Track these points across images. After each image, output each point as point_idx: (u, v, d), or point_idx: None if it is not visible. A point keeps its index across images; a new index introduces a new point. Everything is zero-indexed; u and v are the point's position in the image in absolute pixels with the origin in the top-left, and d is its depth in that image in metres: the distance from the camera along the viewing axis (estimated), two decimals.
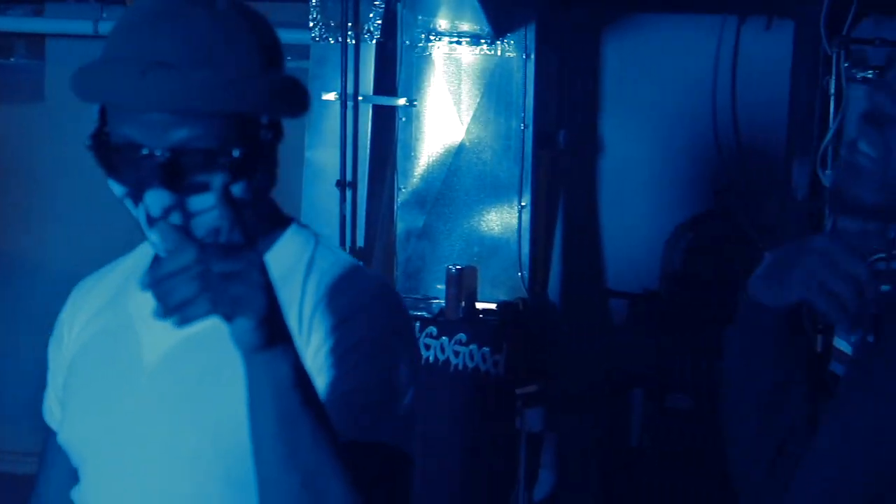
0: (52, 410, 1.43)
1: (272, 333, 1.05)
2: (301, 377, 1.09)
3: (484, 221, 3.45)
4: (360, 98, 3.36)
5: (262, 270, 1.04)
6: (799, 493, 1.17)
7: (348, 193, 3.32)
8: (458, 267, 3.32)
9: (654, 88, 4.10)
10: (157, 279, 1.00)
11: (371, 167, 3.44)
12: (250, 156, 1.19)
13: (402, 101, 3.40)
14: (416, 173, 3.43)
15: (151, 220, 1.15)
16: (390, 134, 3.46)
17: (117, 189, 1.20)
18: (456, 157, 3.41)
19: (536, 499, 3.45)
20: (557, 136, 3.77)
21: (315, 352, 1.22)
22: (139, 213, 1.16)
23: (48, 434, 1.44)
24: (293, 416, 1.08)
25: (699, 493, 3.56)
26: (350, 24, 3.31)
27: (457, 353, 3.26)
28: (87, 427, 1.30)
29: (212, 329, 1.09)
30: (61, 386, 1.39)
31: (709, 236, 3.96)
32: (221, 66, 1.15)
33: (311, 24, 3.42)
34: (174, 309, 1.00)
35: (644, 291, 3.89)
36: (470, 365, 3.25)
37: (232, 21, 1.19)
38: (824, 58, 3.61)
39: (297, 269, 1.29)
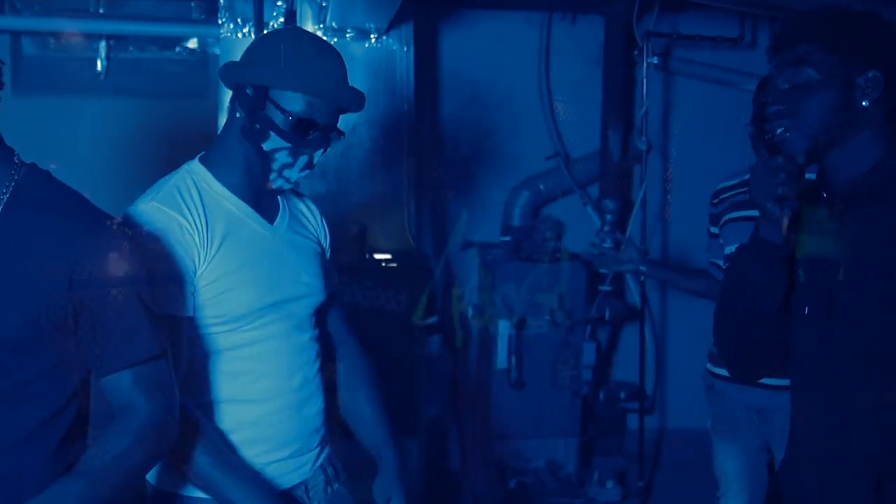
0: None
1: None
2: None
3: (375, 187, 4.10)
4: None
5: None
6: None
7: None
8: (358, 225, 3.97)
9: (485, 73, 4.80)
10: None
11: None
12: None
13: None
14: None
15: (311, 166, 1.98)
16: None
17: (277, 143, 1.93)
18: (351, 134, 4.03)
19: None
20: None
21: None
22: (299, 159, 1.96)
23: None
24: None
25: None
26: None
27: (365, 297, 3.88)
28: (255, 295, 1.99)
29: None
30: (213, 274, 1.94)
31: (540, 193, 4.78)
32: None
33: (220, 21, 3.90)
34: None
35: (496, 241, 4.65)
36: (377, 305, 3.88)
37: None
38: (634, 48, 4.54)
39: None
